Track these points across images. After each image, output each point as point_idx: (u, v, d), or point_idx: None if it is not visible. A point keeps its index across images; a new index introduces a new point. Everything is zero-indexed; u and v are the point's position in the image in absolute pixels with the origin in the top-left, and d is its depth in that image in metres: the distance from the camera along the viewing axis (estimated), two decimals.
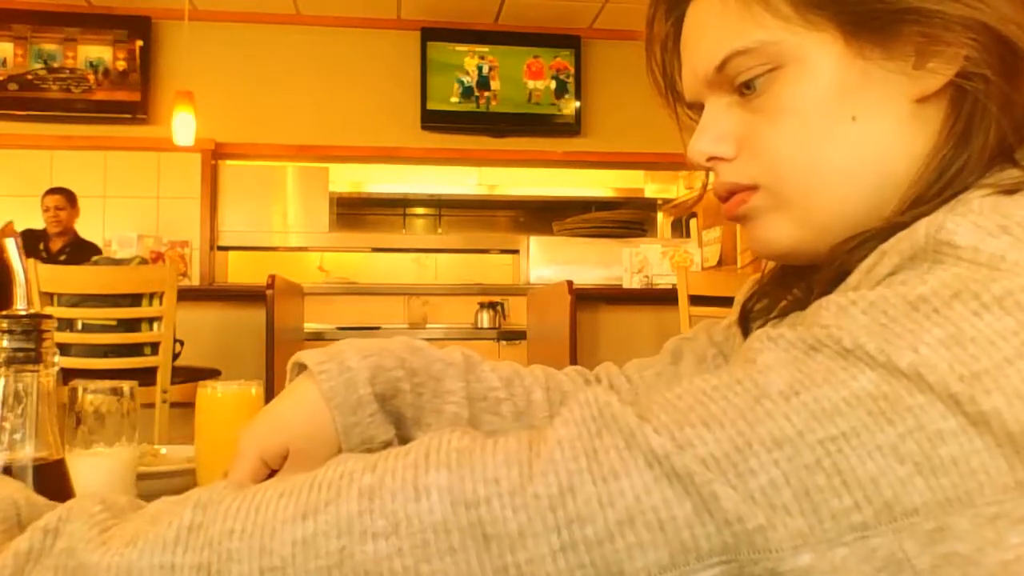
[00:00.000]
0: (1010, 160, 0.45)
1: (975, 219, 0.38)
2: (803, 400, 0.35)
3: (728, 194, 0.52)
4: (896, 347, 0.35)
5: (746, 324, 0.62)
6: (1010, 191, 0.41)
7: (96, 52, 4.09)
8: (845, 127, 0.47)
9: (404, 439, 0.62)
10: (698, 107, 0.54)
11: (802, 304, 0.57)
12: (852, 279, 0.42)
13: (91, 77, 4.07)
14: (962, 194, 0.43)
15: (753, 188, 0.50)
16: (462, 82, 4.37)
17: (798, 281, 0.58)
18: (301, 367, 0.61)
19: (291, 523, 0.38)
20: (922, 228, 0.39)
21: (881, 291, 0.38)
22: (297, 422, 0.58)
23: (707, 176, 0.57)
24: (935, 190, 0.44)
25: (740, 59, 0.48)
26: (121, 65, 4.09)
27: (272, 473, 0.58)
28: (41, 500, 0.44)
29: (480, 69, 4.39)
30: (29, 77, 4.00)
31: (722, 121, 0.51)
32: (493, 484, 0.37)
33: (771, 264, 0.61)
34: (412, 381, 0.61)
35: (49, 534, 0.39)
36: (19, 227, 3.77)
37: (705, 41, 0.51)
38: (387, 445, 0.60)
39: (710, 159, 0.52)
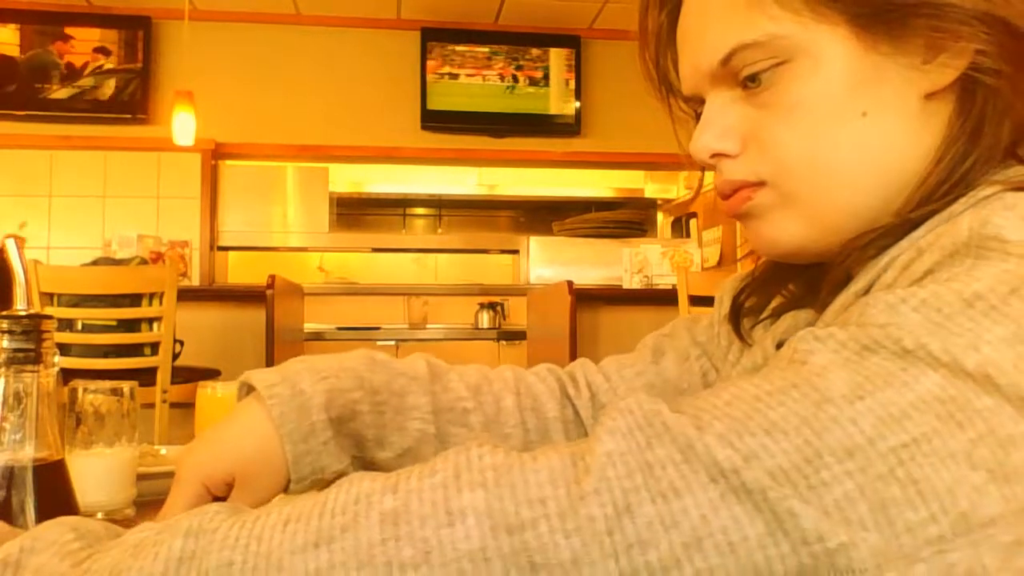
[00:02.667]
0: (1015, 156, 0.44)
1: (1022, 213, 0.37)
2: (868, 405, 0.33)
3: (732, 191, 0.51)
4: (959, 346, 0.34)
5: (737, 320, 0.60)
6: (1022, 188, 0.40)
7: (96, 52, 4.09)
8: (855, 123, 0.45)
9: (364, 463, 0.59)
10: (696, 101, 0.53)
11: (799, 302, 0.56)
12: (887, 276, 0.41)
13: (91, 77, 4.06)
14: (971, 191, 0.42)
15: (759, 185, 0.49)
16: None
17: (793, 278, 0.57)
18: (250, 388, 0.57)
19: (301, 553, 0.33)
20: (964, 223, 0.38)
21: (933, 288, 0.36)
22: (243, 448, 0.54)
23: (703, 175, 0.56)
24: (945, 188, 0.43)
25: (747, 52, 0.46)
26: (121, 65, 4.08)
27: (216, 499, 0.53)
28: (3, 526, 0.39)
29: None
30: (28, 76, 4.00)
31: (726, 116, 0.49)
32: (539, 505, 0.33)
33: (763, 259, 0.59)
34: (372, 400, 0.58)
35: (9, 568, 0.34)
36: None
37: (708, 33, 0.49)
38: (340, 475, 0.56)
39: (714, 155, 0.50)
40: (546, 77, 4.44)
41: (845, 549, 0.31)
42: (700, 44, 0.50)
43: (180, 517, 0.36)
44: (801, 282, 0.56)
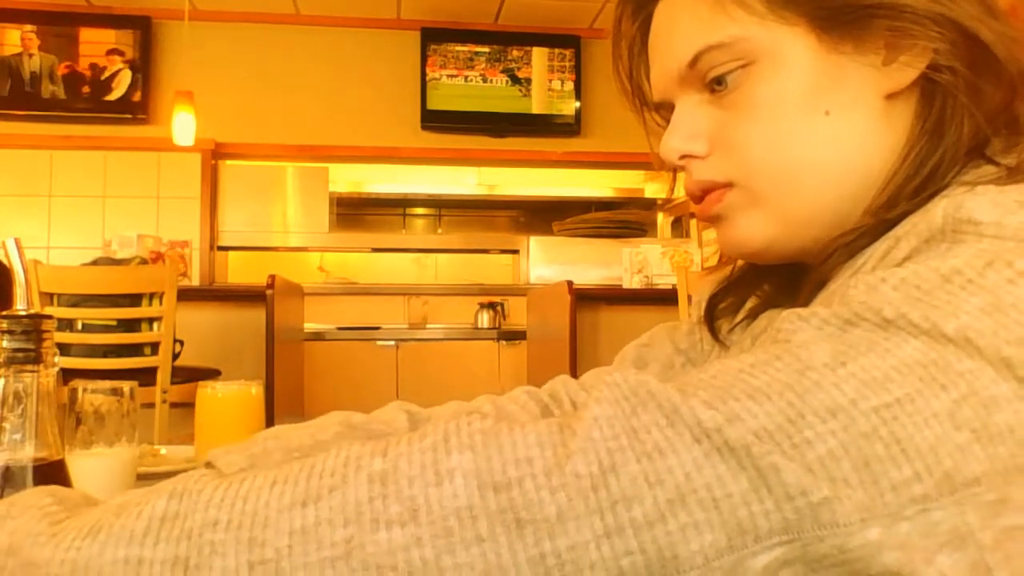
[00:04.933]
0: (983, 157, 0.45)
1: (993, 197, 0.38)
2: (850, 370, 0.34)
3: (702, 192, 0.52)
4: (939, 314, 0.34)
5: (712, 322, 0.61)
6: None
7: (96, 52, 4.09)
8: (818, 122, 0.47)
9: None
10: (667, 107, 0.54)
11: (774, 302, 0.57)
12: (867, 267, 0.42)
13: (91, 77, 4.06)
14: (945, 190, 0.43)
15: (727, 186, 0.50)
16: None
17: (768, 278, 0.58)
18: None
19: (288, 511, 0.33)
20: (939, 209, 0.39)
21: (911, 267, 0.37)
22: None
23: (674, 176, 0.57)
24: (913, 185, 0.45)
25: (712, 54, 0.48)
26: (121, 65, 4.08)
27: None
28: None
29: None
30: (28, 77, 4.00)
31: (694, 119, 0.51)
32: (526, 464, 0.33)
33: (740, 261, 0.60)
34: None
35: None
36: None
37: (676, 38, 0.50)
38: None
39: (682, 157, 0.51)
40: (546, 77, 4.44)
41: (828, 503, 0.32)
42: (669, 49, 0.51)
43: (164, 482, 0.36)
44: (775, 282, 0.57)
